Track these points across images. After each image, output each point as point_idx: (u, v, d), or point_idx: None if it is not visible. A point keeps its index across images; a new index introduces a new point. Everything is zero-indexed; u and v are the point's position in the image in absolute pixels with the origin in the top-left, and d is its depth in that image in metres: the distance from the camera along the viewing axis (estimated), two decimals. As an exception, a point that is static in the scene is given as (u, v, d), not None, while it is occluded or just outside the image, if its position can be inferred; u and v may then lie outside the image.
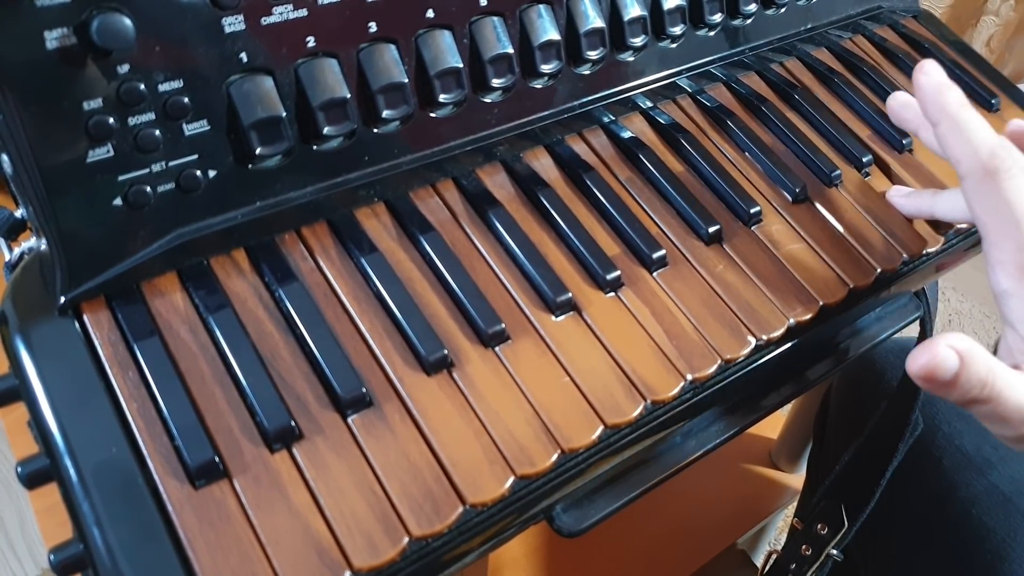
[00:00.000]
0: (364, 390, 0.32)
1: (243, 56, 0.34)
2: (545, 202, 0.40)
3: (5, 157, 0.30)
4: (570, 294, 0.37)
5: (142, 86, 0.31)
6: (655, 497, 0.42)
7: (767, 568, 0.63)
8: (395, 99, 0.37)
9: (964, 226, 0.45)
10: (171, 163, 0.33)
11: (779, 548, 0.62)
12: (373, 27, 0.36)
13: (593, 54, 0.43)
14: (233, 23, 0.33)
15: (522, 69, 0.41)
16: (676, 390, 0.36)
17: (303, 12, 0.34)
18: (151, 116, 0.32)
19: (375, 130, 0.38)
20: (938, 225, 0.45)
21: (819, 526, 0.59)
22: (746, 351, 0.38)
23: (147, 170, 0.33)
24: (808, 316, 0.40)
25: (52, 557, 0.28)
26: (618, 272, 0.38)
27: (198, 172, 0.34)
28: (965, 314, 1.55)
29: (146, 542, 0.28)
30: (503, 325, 0.35)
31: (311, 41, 0.35)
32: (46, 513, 0.59)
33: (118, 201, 0.32)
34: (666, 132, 0.46)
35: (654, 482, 0.36)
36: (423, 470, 0.31)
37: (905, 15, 0.60)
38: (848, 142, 0.47)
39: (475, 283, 0.36)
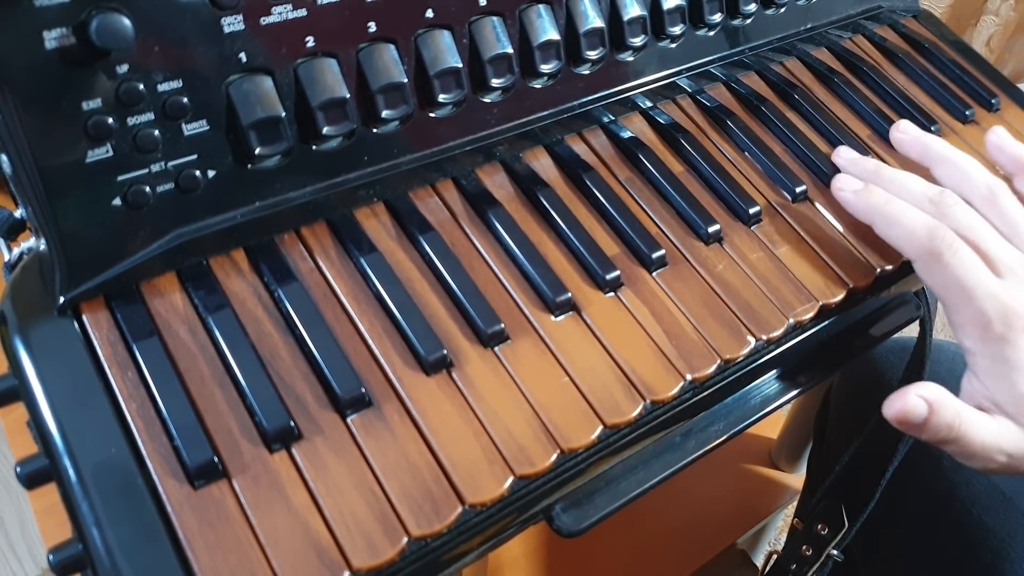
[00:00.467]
0: (363, 390, 0.32)
1: (242, 56, 0.34)
2: (545, 202, 0.40)
3: (4, 157, 0.30)
4: (569, 294, 0.37)
5: (141, 86, 0.31)
6: (655, 497, 0.42)
7: (767, 568, 0.63)
8: (394, 99, 0.37)
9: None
10: (170, 163, 0.33)
11: (779, 548, 0.62)
12: (372, 27, 0.36)
13: (593, 54, 0.43)
14: (232, 23, 0.33)
15: (522, 69, 0.41)
16: (675, 390, 0.36)
17: (302, 12, 0.34)
18: (150, 116, 0.32)
19: (374, 130, 0.38)
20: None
21: (819, 526, 0.59)
22: (745, 351, 0.38)
23: (146, 170, 0.33)
24: (808, 316, 0.40)
25: (51, 557, 0.28)
26: (617, 272, 0.38)
27: (197, 172, 0.34)
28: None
29: (145, 542, 0.28)
30: (502, 325, 0.35)
31: (310, 41, 0.35)
32: (46, 513, 0.59)
33: (117, 201, 0.32)
34: (666, 132, 0.46)
35: (654, 482, 0.36)
36: (422, 470, 0.31)
37: (905, 15, 0.60)
38: (848, 142, 0.47)
39: (474, 283, 0.36)
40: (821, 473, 0.70)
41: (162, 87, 0.32)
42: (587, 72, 0.44)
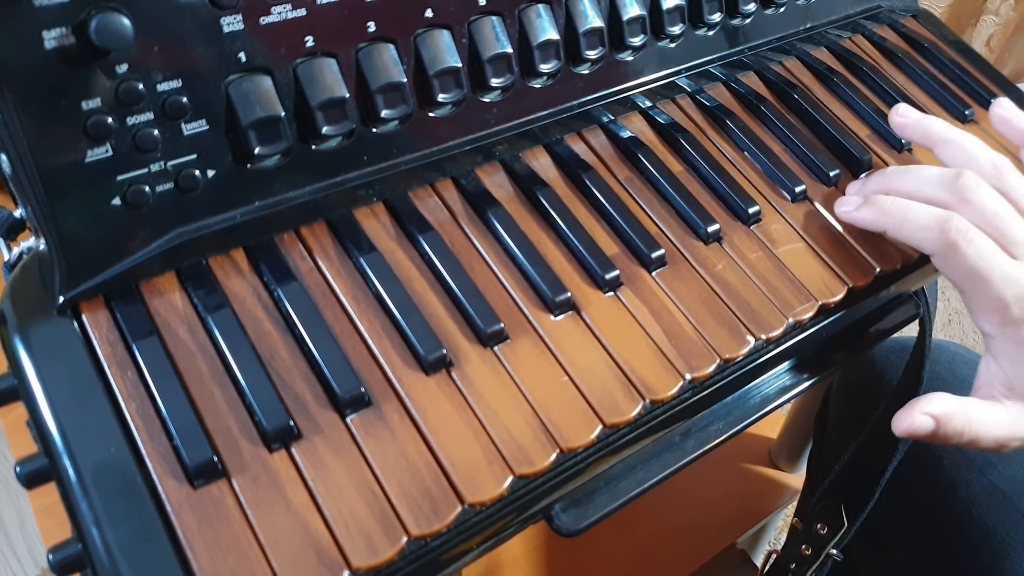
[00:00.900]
0: (363, 390, 0.32)
1: (242, 56, 0.34)
2: (544, 202, 0.40)
3: (4, 157, 0.30)
4: (569, 294, 0.37)
5: (141, 86, 0.31)
6: (655, 497, 0.42)
7: (767, 568, 0.63)
8: (394, 99, 0.37)
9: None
10: (170, 163, 0.33)
11: (779, 548, 0.62)
12: (372, 27, 0.36)
13: (592, 54, 0.43)
14: (232, 23, 0.33)
15: (521, 69, 0.41)
16: (675, 390, 0.36)
17: (302, 12, 0.34)
18: (150, 116, 0.32)
19: (374, 130, 0.38)
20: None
21: (819, 526, 0.59)
22: (745, 351, 0.38)
23: (146, 170, 0.33)
24: (807, 315, 0.40)
25: (51, 557, 0.28)
26: (617, 272, 0.38)
27: (197, 172, 0.34)
28: (965, 314, 1.55)
29: (145, 542, 0.28)
30: (502, 325, 0.35)
31: (310, 41, 0.35)
32: (45, 513, 0.59)
33: (117, 201, 0.32)
34: (665, 132, 0.46)
35: (654, 482, 0.36)
36: (422, 470, 0.31)
37: (904, 14, 0.60)
38: (847, 141, 0.47)
39: (474, 283, 0.36)
40: (821, 472, 0.70)
41: (161, 87, 0.32)
42: (586, 72, 0.44)
